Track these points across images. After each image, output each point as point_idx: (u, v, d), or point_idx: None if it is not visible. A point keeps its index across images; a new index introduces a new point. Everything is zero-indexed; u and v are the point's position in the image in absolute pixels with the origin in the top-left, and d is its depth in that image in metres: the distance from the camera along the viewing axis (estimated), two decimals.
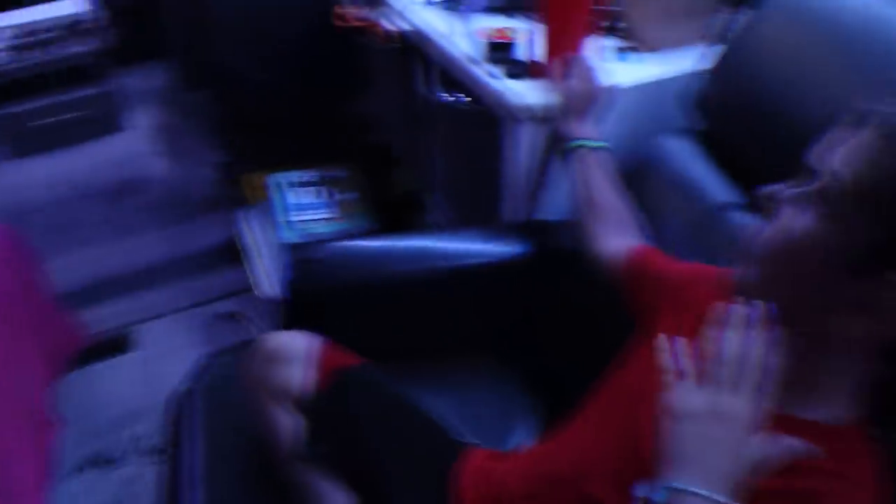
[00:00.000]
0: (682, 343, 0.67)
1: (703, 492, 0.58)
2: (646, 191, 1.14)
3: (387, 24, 1.54)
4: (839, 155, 0.63)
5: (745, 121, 1.06)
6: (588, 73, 1.13)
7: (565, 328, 1.25)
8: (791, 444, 0.63)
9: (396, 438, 0.99)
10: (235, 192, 2.18)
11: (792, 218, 0.65)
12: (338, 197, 1.97)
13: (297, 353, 1.02)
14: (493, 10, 1.43)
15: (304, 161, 2.07)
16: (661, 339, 0.68)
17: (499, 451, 1.02)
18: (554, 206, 1.30)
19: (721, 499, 0.58)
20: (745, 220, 1.01)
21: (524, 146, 1.21)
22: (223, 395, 1.15)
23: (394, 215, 1.95)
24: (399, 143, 1.86)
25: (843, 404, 0.67)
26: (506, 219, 1.33)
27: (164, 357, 1.88)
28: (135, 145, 2.63)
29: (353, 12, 1.63)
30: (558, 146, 1.15)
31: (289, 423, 0.99)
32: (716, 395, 0.62)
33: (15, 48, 2.42)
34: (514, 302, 1.27)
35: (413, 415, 1.04)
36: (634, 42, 1.32)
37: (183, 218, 2.34)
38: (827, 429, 0.66)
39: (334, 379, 1.00)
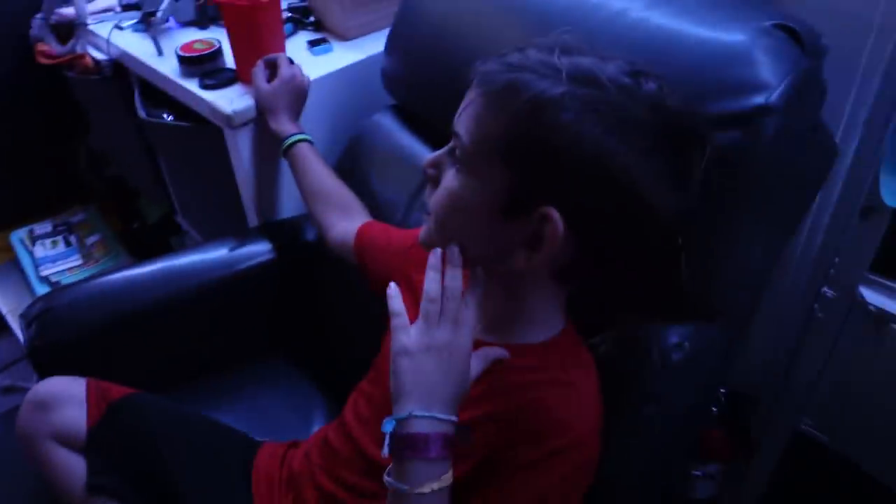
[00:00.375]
0: (397, 289, 0.72)
1: (426, 413, 0.65)
2: (361, 169, 1.22)
3: (94, 54, 1.50)
4: (456, 115, 0.70)
5: (422, 90, 1.16)
6: (284, 71, 1.17)
7: (331, 315, 1.30)
8: (488, 352, 0.71)
9: (186, 452, 1.00)
10: None
11: (446, 178, 0.71)
12: (85, 241, 1.89)
13: (67, 395, 1.00)
14: (188, 24, 1.45)
15: (43, 211, 1.97)
16: (391, 287, 0.72)
17: (291, 441, 1.05)
18: (291, 203, 1.34)
19: (442, 416, 0.65)
20: None
21: (244, 152, 1.23)
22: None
23: (147, 246, 1.90)
24: (133, 173, 1.81)
25: (551, 323, 0.77)
26: (249, 225, 1.35)
27: None
28: None
29: (55, 47, 1.56)
30: (278, 146, 1.18)
31: (75, 465, 0.97)
32: (426, 330, 0.67)
33: None
34: (275, 302, 1.31)
35: (200, 427, 1.06)
36: (326, 33, 1.39)
37: None
38: (540, 347, 0.75)
39: (105, 411, 0.99)
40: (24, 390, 1.85)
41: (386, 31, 1.28)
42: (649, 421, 0.84)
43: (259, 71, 1.18)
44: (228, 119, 1.18)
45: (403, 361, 0.67)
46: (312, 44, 1.34)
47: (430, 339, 0.67)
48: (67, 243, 1.89)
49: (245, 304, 1.28)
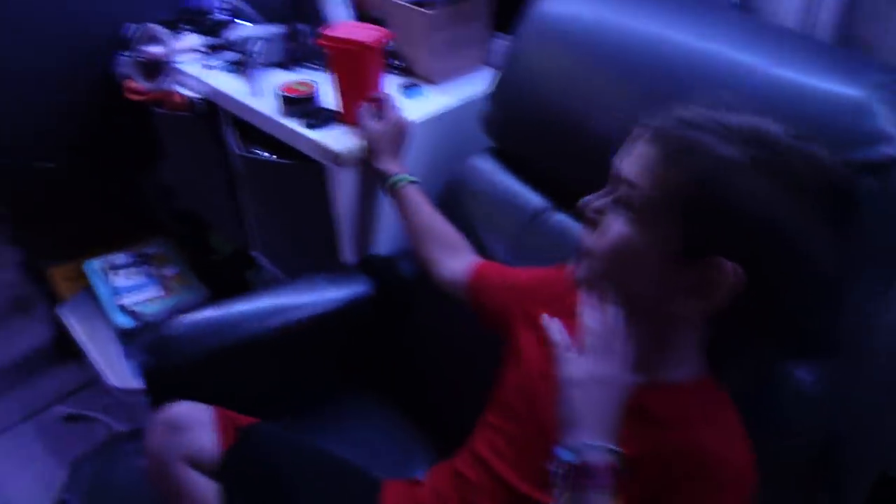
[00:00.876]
0: (558, 323, 0.77)
1: (597, 443, 0.70)
2: (461, 211, 1.25)
3: (183, 91, 1.56)
4: (628, 165, 0.74)
5: (529, 135, 1.20)
6: (390, 112, 1.23)
7: (427, 351, 1.33)
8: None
9: (314, 484, 1.02)
10: (45, 287, 2.07)
11: (611, 223, 0.75)
12: (162, 272, 1.94)
13: (196, 419, 1.03)
14: (272, 65, 1.50)
15: (116, 242, 2.02)
16: (546, 319, 0.78)
17: (412, 479, 1.07)
18: (389, 240, 1.38)
19: (611, 446, 0.70)
20: (558, 222, 1.15)
21: (346, 190, 1.28)
22: (103, 498, 1.13)
23: (222, 280, 1.94)
24: (208, 208, 1.86)
25: (694, 364, 0.80)
26: (345, 260, 1.39)
27: (6, 478, 1.76)
28: None
29: (143, 84, 1.63)
30: (381, 184, 1.24)
31: (206, 488, 0.99)
32: (593, 362, 0.73)
33: None
34: (373, 337, 1.34)
35: (325, 460, 1.08)
36: (416, 78, 1.44)
37: None
38: (685, 386, 0.79)
39: (237, 438, 1.02)
40: (88, 419, 1.90)
41: (470, 76, 1.36)
42: (783, 455, 0.87)
43: (367, 112, 1.23)
44: (337, 157, 1.22)
45: (574, 391, 0.73)
46: (405, 87, 1.40)
47: (596, 371, 0.73)
48: (149, 273, 1.93)
49: (345, 339, 1.31)
